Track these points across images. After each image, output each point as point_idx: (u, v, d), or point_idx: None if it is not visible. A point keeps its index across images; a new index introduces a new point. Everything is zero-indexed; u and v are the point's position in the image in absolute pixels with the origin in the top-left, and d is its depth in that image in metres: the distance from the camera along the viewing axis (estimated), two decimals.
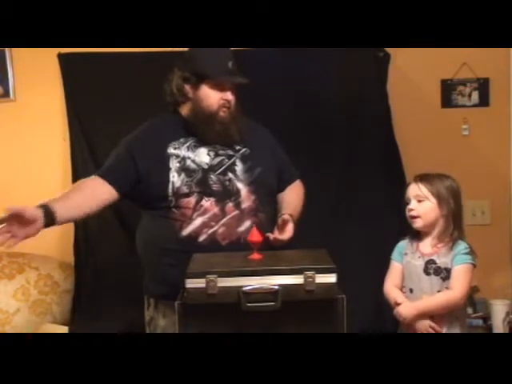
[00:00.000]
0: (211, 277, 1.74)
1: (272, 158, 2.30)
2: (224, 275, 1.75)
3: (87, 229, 2.93)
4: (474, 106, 3.03)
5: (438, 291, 2.14)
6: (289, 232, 2.13)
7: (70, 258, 2.96)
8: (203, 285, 1.74)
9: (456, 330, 2.15)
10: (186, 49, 2.22)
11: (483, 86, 3.01)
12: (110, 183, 2.15)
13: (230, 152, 2.20)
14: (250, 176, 2.19)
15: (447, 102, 3.04)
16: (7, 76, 3.03)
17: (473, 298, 2.81)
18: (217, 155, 2.18)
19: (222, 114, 2.18)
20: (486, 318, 2.83)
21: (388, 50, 2.90)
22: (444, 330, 2.14)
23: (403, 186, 2.81)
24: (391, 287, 2.24)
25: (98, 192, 2.14)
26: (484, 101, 3.02)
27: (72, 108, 2.94)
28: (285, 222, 2.13)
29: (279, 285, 1.74)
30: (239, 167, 2.18)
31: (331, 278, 1.76)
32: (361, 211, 2.88)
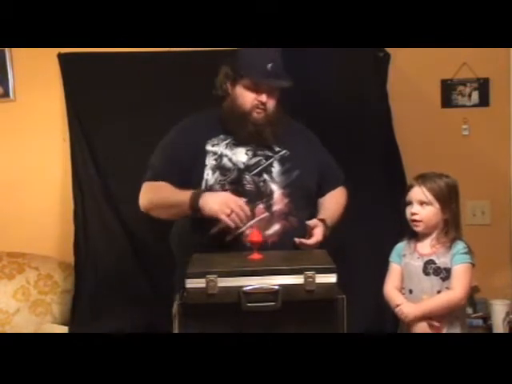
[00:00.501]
0: (211, 277, 1.74)
1: (314, 161, 2.27)
2: (224, 275, 1.76)
3: (87, 229, 2.93)
4: (474, 105, 3.02)
5: (438, 291, 2.14)
6: (316, 237, 2.11)
7: (70, 258, 2.96)
8: (203, 285, 1.74)
9: (456, 330, 2.15)
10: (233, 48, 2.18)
11: (483, 86, 3.00)
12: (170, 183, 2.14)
13: (269, 153, 2.18)
14: (287, 178, 2.17)
15: (447, 101, 3.03)
16: (7, 76, 3.02)
17: (473, 298, 2.81)
18: (255, 155, 2.16)
19: (255, 115, 2.16)
20: (486, 318, 2.83)
21: (388, 49, 2.90)
22: (444, 330, 2.14)
23: (403, 186, 2.81)
24: (391, 289, 2.23)
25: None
26: (484, 101, 3.01)
27: (72, 108, 2.94)
28: (312, 227, 2.12)
29: (279, 285, 1.74)
30: (276, 169, 2.16)
31: (331, 278, 1.76)
32: (361, 211, 2.88)
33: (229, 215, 1.95)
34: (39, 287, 2.87)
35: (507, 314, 2.77)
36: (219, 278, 1.74)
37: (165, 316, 2.18)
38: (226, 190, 2.09)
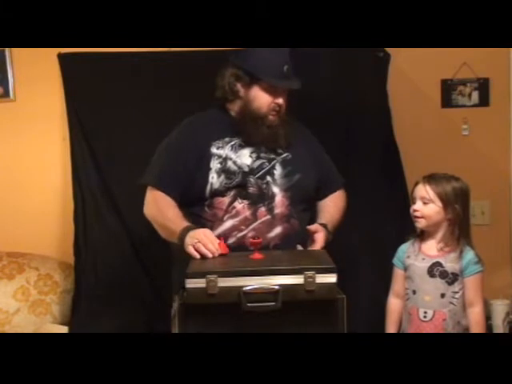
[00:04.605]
0: (211, 277, 1.74)
1: (314, 165, 2.27)
2: (224, 275, 1.76)
3: (87, 229, 2.93)
4: (474, 105, 3.02)
5: (442, 294, 2.14)
6: (319, 243, 2.11)
7: (70, 258, 2.96)
8: (203, 285, 1.74)
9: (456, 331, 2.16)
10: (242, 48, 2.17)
11: (483, 85, 3.00)
12: (167, 193, 2.14)
13: (272, 155, 2.17)
14: (288, 181, 2.16)
15: (447, 102, 3.03)
16: (7, 76, 3.02)
17: None
18: (258, 158, 2.15)
19: (271, 117, 2.16)
20: (486, 318, 2.82)
21: (388, 49, 2.90)
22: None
23: (403, 186, 2.83)
24: (392, 311, 2.26)
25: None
26: (484, 101, 3.01)
27: (72, 108, 2.94)
28: (313, 232, 2.12)
29: (279, 285, 1.74)
30: (278, 171, 2.16)
31: (331, 278, 1.76)
32: (361, 211, 2.88)
33: (194, 246, 1.94)
34: (39, 287, 2.87)
35: (507, 314, 2.77)
36: (219, 278, 1.74)
37: (165, 316, 2.18)
38: (229, 192, 2.09)
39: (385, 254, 2.36)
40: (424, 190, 2.17)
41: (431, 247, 2.20)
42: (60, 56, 2.93)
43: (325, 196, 2.33)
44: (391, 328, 2.26)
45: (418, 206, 2.18)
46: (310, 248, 2.11)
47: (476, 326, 2.15)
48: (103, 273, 2.90)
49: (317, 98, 2.88)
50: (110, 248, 2.91)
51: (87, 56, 2.83)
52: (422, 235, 2.23)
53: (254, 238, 1.94)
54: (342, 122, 2.92)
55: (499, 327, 2.76)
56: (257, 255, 1.90)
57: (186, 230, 1.99)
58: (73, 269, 2.95)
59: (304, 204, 2.22)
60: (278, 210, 2.12)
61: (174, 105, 2.77)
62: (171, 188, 2.13)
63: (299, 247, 2.12)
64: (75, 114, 2.93)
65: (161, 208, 2.13)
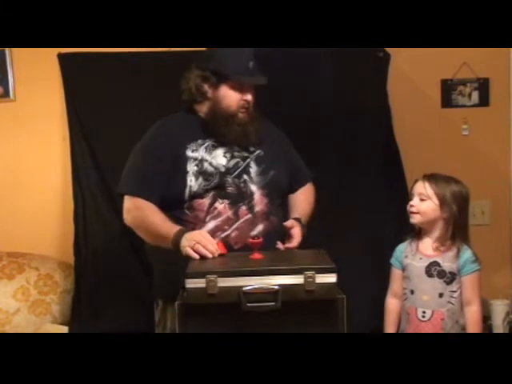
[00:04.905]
0: (211, 277, 1.74)
1: (285, 159, 2.28)
2: (224, 275, 1.75)
3: (87, 229, 2.93)
4: (474, 105, 3.02)
5: (440, 293, 2.15)
6: (297, 238, 2.12)
7: (70, 258, 2.96)
8: (203, 285, 1.74)
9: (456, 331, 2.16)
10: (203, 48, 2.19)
11: (483, 85, 3.00)
12: (148, 199, 2.11)
13: (245, 154, 2.18)
14: (264, 179, 2.17)
15: (447, 102, 3.03)
16: (7, 76, 3.02)
17: None
18: (233, 157, 2.16)
19: (241, 115, 2.16)
20: (486, 318, 2.83)
21: (388, 49, 2.90)
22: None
23: (403, 185, 2.83)
24: (391, 311, 2.28)
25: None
26: (484, 101, 3.01)
27: (72, 108, 2.94)
28: (290, 228, 2.13)
29: (279, 285, 1.74)
30: (253, 169, 2.16)
31: (331, 278, 1.76)
32: (361, 211, 2.88)
33: (193, 247, 1.94)
34: (39, 287, 2.87)
35: (507, 314, 2.78)
36: (219, 278, 1.74)
37: None
38: (208, 193, 2.09)
39: (385, 254, 2.36)
40: (422, 187, 2.19)
41: (428, 247, 2.20)
42: (60, 56, 2.93)
43: (295, 190, 2.34)
44: (390, 328, 2.27)
45: (414, 202, 2.20)
46: (288, 244, 2.12)
47: (472, 324, 2.16)
48: (103, 273, 2.90)
49: (317, 98, 2.89)
50: (110, 248, 2.91)
51: (87, 56, 2.83)
52: (420, 235, 2.23)
53: (253, 238, 1.94)
54: (342, 121, 2.92)
55: (499, 327, 2.76)
56: (256, 255, 1.90)
57: (181, 233, 1.99)
58: (73, 269, 2.95)
59: (279, 199, 2.24)
60: (257, 208, 2.13)
61: (174, 105, 2.77)
62: (151, 193, 2.11)
63: (279, 244, 2.12)
64: (75, 114, 2.93)
65: (145, 214, 2.10)
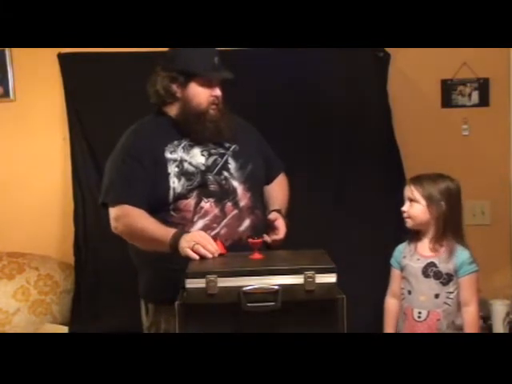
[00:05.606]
0: (211, 277, 1.74)
1: (259, 152, 2.29)
2: (224, 275, 1.75)
3: (87, 229, 2.93)
4: (474, 105, 3.03)
5: (436, 294, 2.15)
6: (282, 229, 2.13)
7: (70, 258, 2.96)
8: (203, 285, 1.74)
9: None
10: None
11: (483, 85, 3.00)
12: (135, 205, 2.09)
13: (222, 150, 2.18)
14: (243, 173, 2.17)
15: (447, 102, 3.04)
16: (7, 76, 3.03)
17: None
18: (210, 155, 2.15)
19: (211, 111, 2.15)
20: (486, 318, 2.83)
21: (388, 49, 2.90)
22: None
23: (403, 186, 2.83)
24: (390, 311, 2.28)
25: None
26: (484, 101, 3.01)
27: (72, 108, 2.94)
28: (273, 220, 2.14)
29: (279, 285, 1.74)
30: (232, 165, 2.16)
31: (331, 278, 1.76)
32: (361, 211, 2.88)
33: (192, 248, 1.93)
34: (39, 287, 2.87)
35: (507, 314, 2.77)
36: (219, 278, 1.74)
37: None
38: (192, 193, 2.08)
39: (384, 254, 2.36)
40: (410, 191, 2.21)
41: (425, 247, 2.20)
42: (60, 56, 2.94)
43: (270, 181, 2.34)
44: (389, 328, 2.27)
45: (405, 207, 2.22)
46: (275, 236, 2.12)
47: (470, 325, 2.16)
48: (103, 273, 2.90)
49: (317, 98, 2.89)
50: (111, 248, 2.90)
51: (87, 56, 2.83)
52: (418, 235, 2.24)
53: (253, 238, 1.94)
54: (342, 122, 2.92)
55: (499, 327, 2.76)
56: (256, 255, 1.90)
57: (179, 234, 1.98)
58: (73, 269, 2.96)
59: (259, 192, 2.24)
60: (242, 203, 2.13)
61: None
62: (139, 199, 2.09)
63: (265, 237, 2.12)
64: (75, 114, 2.94)
65: (136, 221, 2.08)
